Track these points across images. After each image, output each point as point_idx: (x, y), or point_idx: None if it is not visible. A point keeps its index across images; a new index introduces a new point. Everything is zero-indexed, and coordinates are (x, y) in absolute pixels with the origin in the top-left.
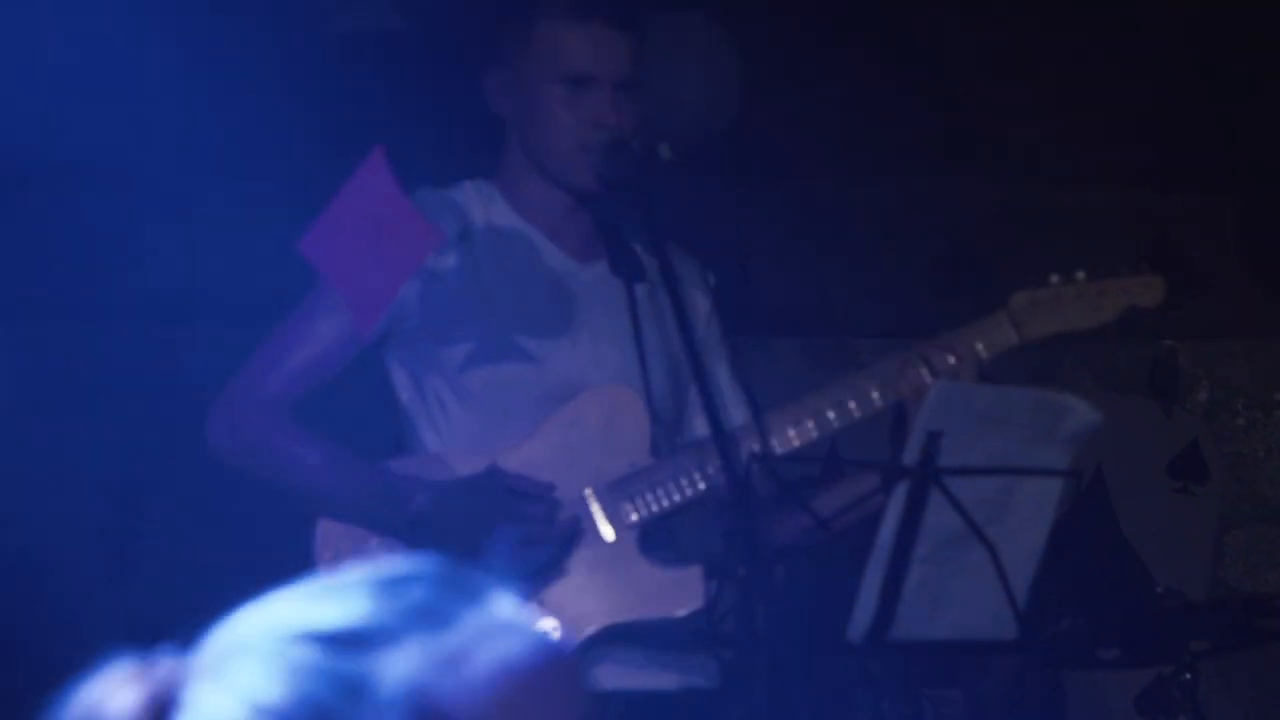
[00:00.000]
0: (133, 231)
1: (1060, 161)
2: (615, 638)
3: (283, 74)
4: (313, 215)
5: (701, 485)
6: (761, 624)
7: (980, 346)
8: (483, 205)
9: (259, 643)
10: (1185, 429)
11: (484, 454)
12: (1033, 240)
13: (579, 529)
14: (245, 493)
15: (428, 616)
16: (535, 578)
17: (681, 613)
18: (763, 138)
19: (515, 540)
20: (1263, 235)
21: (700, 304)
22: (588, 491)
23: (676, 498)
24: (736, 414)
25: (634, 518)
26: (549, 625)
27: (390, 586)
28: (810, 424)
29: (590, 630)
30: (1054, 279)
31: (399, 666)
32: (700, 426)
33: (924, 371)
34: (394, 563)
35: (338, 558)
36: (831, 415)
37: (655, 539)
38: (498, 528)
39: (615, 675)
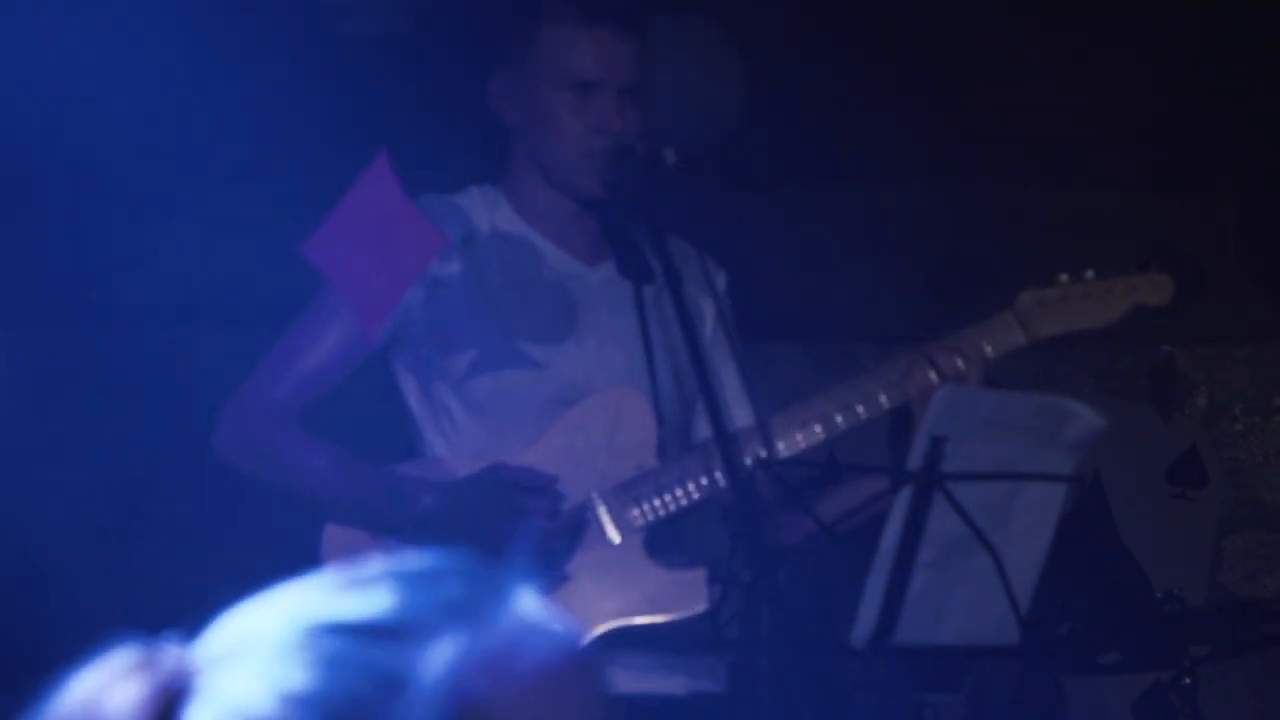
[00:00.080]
0: (133, 234)
1: (1061, 165)
2: (623, 641)
3: (287, 77)
4: (317, 219)
5: (707, 488)
6: (766, 627)
7: (988, 348)
8: (488, 210)
9: (283, 632)
10: (1184, 434)
11: (488, 460)
12: (1033, 244)
13: (584, 520)
14: (246, 495)
15: (463, 612)
16: (542, 576)
17: (686, 615)
18: (763, 141)
19: (535, 540)
20: (1264, 239)
21: (706, 306)
22: (594, 495)
23: (683, 501)
24: (744, 416)
25: (640, 521)
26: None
27: (421, 580)
28: (817, 427)
29: (596, 632)
30: (1063, 278)
31: (438, 661)
32: (707, 429)
33: (931, 373)
34: (419, 557)
35: (346, 562)
36: (839, 419)
37: (661, 542)
38: (518, 528)
39: (623, 679)
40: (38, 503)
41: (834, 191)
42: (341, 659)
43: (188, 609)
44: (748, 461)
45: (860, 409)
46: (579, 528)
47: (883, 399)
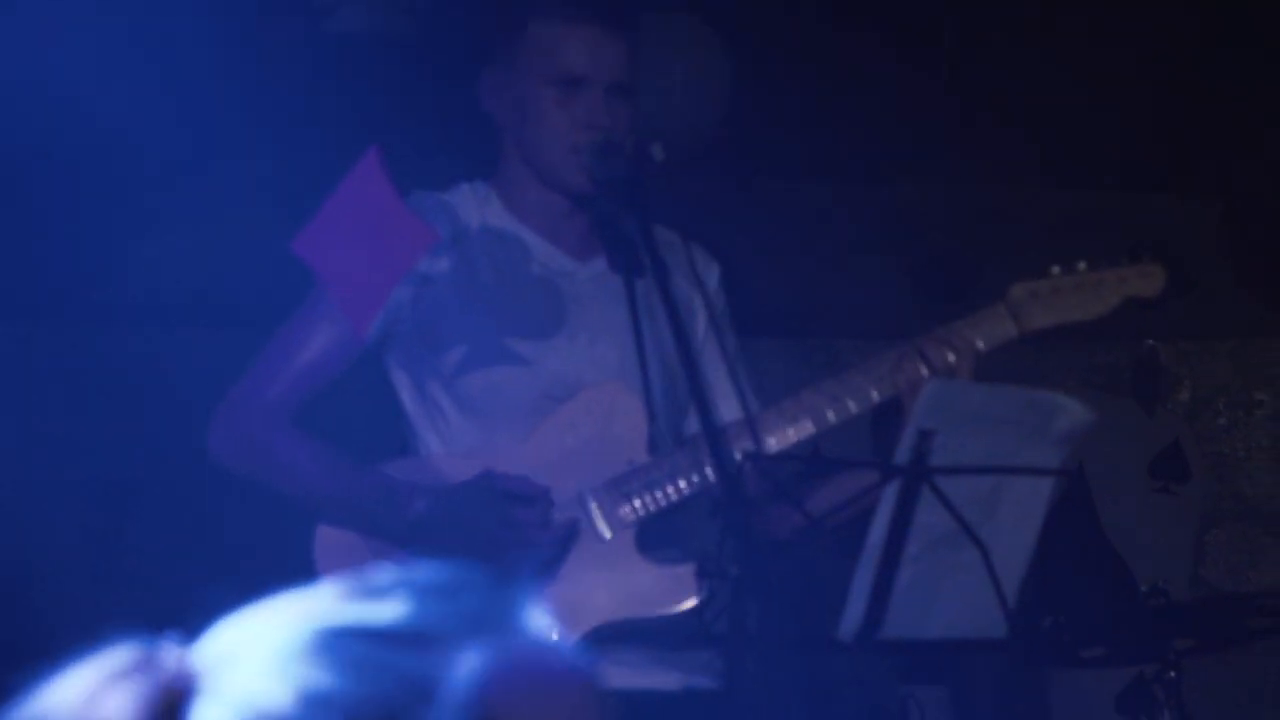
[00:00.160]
0: (124, 234)
1: (1044, 164)
2: (617, 637)
3: (277, 74)
4: (306, 216)
5: (698, 484)
6: (754, 621)
7: (979, 341)
8: (478, 207)
9: (297, 635)
10: (1167, 428)
11: (482, 457)
12: (1016, 242)
13: (576, 530)
14: (234, 494)
15: (484, 624)
16: (538, 579)
17: (675, 611)
18: (746, 139)
19: (538, 563)
20: (1247, 235)
21: (697, 300)
22: (585, 491)
23: (673, 496)
24: (734, 411)
25: (631, 517)
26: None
27: (437, 592)
28: (807, 422)
29: (586, 628)
30: (1054, 270)
31: (466, 669)
32: (699, 423)
33: (921, 367)
34: (428, 569)
35: (338, 565)
36: (829, 414)
37: (652, 537)
38: (514, 541)
39: (617, 675)
40: (27, 502)
41: (818, 188)
42: (369, 662)
43: (177, 609)
44: (737, 456)
45: (851, 403)
46: (570, 536)
47: (873, 393)
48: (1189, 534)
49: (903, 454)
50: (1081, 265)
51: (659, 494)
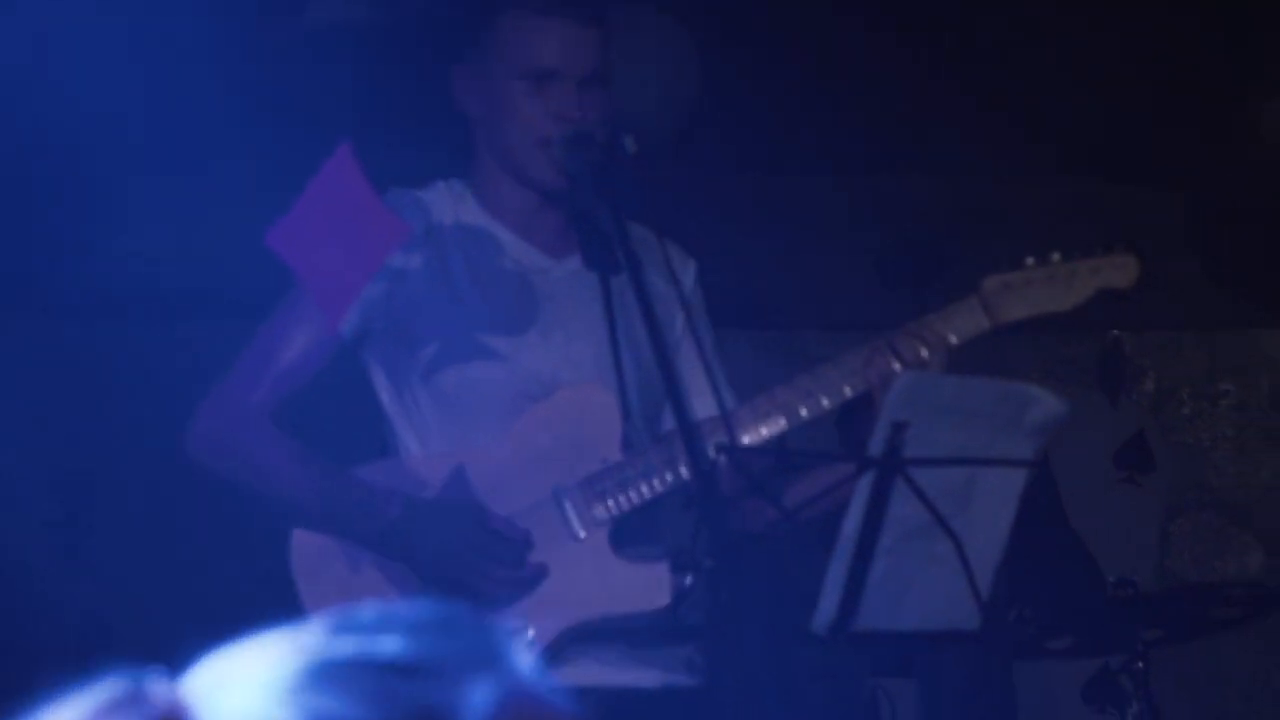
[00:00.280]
0: (85, 224)
1: (1010, 156)
2: (595, 634)
3: (252, 67)
4: (273, 210)
5: (672, 482)
6: (728, 615)
7: (951, 336)
8: (453, 204)
9: (294, 667)
10: (1132, 419)
11: (455, 456)
12: (981, 233)
13: (542, 575)
14: (196, 488)
15: (485, 660)
16: (511, 580)
17: (651, 608)
18: (711, 131)
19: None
20: (1212, 227)
21: (670, 294)
22: (560, 490)
23: (647, 494)
24: (708, 407)
25: (605, 515)
26: (523, 626)
27: (434, 627)
28: (781, 419)
29: (561, 628)
30: (1029, 261)
31: (478, 701)
32: (673, 420)
33: (893, 361)
34: (415, 606)
35: (314, 571)
36: (802, 410)
37: (626, 535)
38: (489, 578)
39: (596, 672)
40: None
41: (782, 180)
42: (380, 692)
43: (136, 602)
44: (710, 451)
45: (823, 399)
46: (536, 580)
47: (846, 388)
48: (1154, 525)
49: (876, 446)
50: (1055, 256)
51: (633, 493)
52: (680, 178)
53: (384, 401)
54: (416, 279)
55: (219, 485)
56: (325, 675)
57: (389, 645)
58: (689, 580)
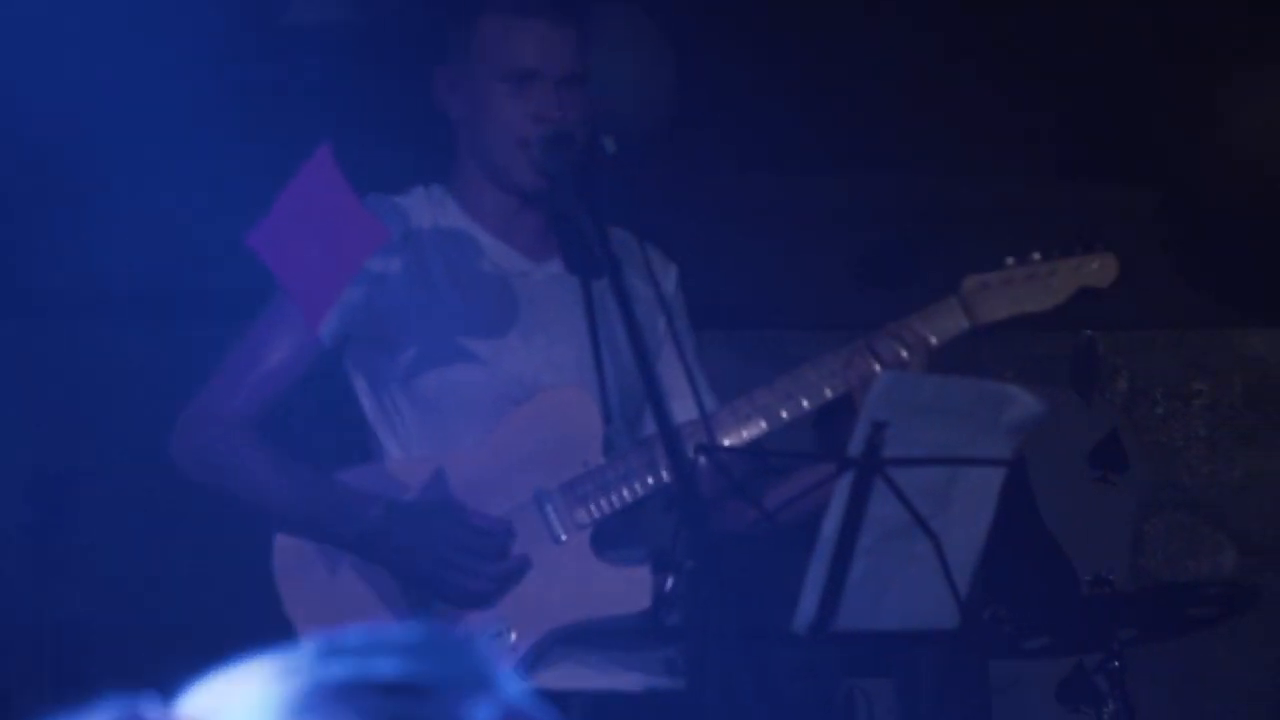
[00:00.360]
0: (56, 224)
1: (982, 154)
2: (577, 638)
3: (231, 68)
4: (257, 212)
5: (653, 486)
6: (709, 616)
7: (931, 337)
8: (431, 209)
9: (298, 690)
10: (1105, 418)
11: (436, 460)
12: (957, 233)
13: (525, 568)
14: (171, 490)
15: (481, 680)
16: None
17: (631, 611)
18: (691, 131)
19: (476, 595)
20: (1184, 226)
21: (651, 298)
22: (541, 494)
23: (628, 498)
24: (688, 410)
25: (586, 519)
26: (505, 630)
27: (425, 649)
28: (762, 421)
29: (543, 632)
30: (1009, 261)
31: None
32: (654, 423)
33: (873, 362)
34: (404, 629)
35: (296, 576)
36: (783, 412)
37: (607, 537)
38: (467, 570)
39: (578, 676)
40: None
41: (759, 179)
42: (384, 712)
43: (110, 605)
44: (691, 453)
45: (804, 401)
46: (518, 573)
47: (826, 390)
48: (1127, 524)
49: (855, 446)
50: (1035, 255)
51: (614, 496)
52: (657, 178)
53: (365, 406)
54: (396, 283)
55: (201, 491)
56: (325, 697)
57: (385, 667)
58: (670, 582)
